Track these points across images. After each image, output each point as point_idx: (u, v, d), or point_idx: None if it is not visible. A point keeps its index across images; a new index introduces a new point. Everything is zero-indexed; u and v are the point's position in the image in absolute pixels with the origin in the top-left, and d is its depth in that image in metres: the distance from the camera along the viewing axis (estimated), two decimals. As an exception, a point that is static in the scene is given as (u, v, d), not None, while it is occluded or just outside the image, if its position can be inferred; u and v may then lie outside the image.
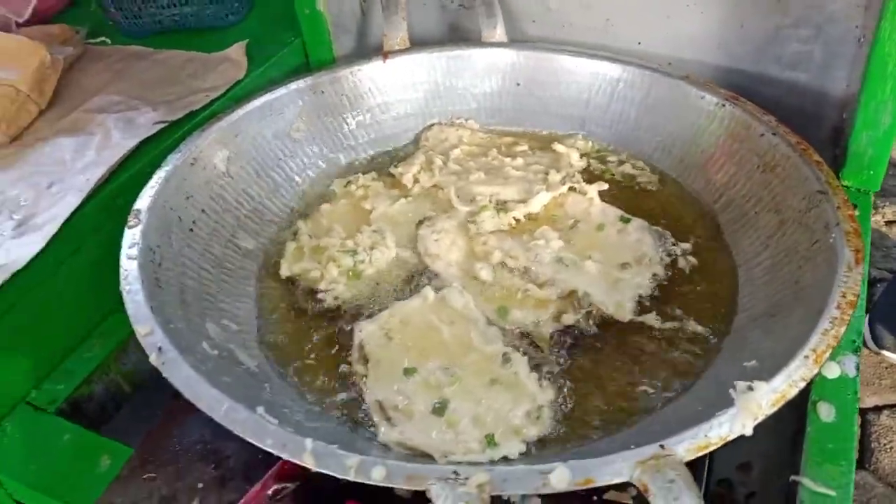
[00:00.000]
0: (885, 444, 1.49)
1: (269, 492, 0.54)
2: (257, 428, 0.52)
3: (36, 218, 0.75)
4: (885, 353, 1.58)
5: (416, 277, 0.79)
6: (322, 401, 0.66)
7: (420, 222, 0.85)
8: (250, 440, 0.52)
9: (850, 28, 0.82)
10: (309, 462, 0.50)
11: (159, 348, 0.58)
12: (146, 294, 0.64)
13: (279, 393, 0.65)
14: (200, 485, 0.62)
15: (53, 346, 0.75)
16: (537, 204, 0.85)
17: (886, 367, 1.61)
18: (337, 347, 0.72)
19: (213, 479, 0.62)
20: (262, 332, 0.74)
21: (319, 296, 0.78)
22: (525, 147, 0.96)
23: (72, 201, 0.74)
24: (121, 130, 0.85)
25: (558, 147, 0.93)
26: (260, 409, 0.54)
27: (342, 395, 0.67)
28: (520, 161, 0.92)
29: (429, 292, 0.75)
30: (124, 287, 0.65)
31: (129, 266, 0.67)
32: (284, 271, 0.81)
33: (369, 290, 0.79)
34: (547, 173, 0.89)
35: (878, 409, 1.56)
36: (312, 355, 0.72)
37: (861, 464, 1.47)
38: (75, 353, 0.76)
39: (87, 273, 0.77)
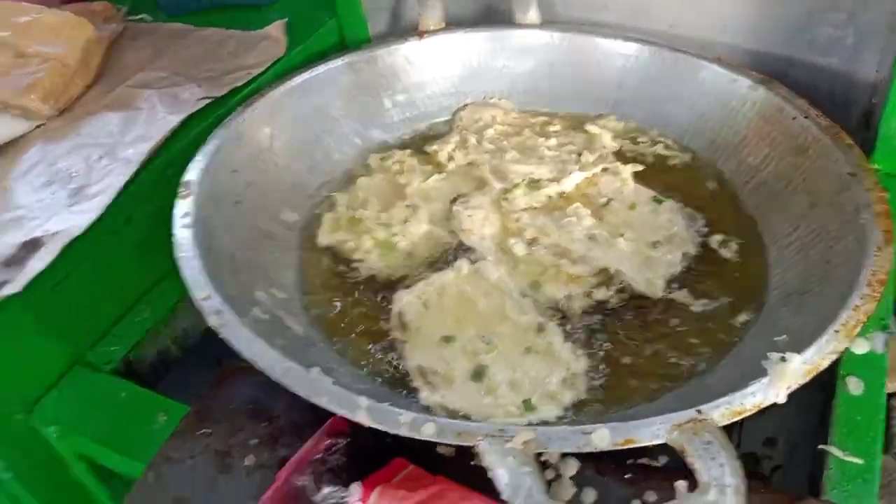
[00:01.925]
0: (903, 429, 1.50)
1: (322, 447, 0.57)
2: (314, 386, 0.55)
3: (89, 189, 0.78)
4: None
5: (448, 252, 0.82)
6: (364, 365, 0.69)
7: (454, 199, 0.87)
8: (307, 398, 0.55)
9: (881, 14, 0.83)
10: (363, 419, 0.53)
11: (217, 311, 0.61)
12: (201, 261, 0.67)
13: (325, 356, 0.69)
14: (254, 441, 0.65)
15: (106, 310, 0.78)
16: (570, 183, 0.87)
17: (905, 353, 1.62)
18: (375, 315, 0.75)
19: (265, 435, 0.65)
20: (305, 299, 0.77)
21: (354, 265, 0.81)
22: (558, 127, 0.98)
23: (123, 173, 0.77)
24: (166, 105, 0.87)
25: (591, 128, 0.95)
26: (315, 370, 0.57)
27: (383, 360, 0.70)
28: (553, 141, 0.94)
29: (463, 264, 0.78)
30: (179, 254, 0.68)
31: (182, 234, 0.70)
32: (322, 240, 0.84)
33: (402, 261, 0.81)
34: (580, 154, 0.91)
35: (896, 395, 1.57)
36: (353, 322, 0.74)
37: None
38: (126, 318, 0.79)
39: (137, 242, 0.80)
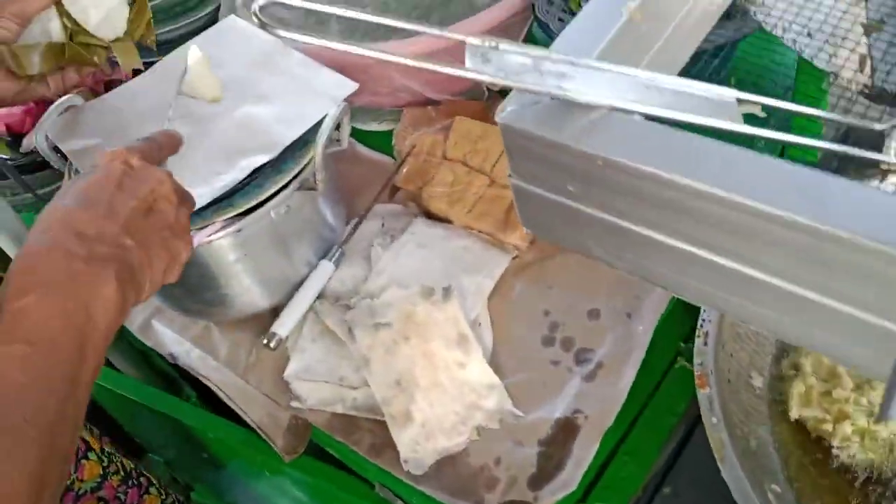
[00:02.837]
0: None
1: None
2: None
3: (593, 354, 0.83)
4: None
5: (935, 448, 0.81)
6: None
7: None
8: None
9: None
10: None
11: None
12: (743, 474, 0.70)
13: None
14: None
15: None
16: None
17: None
18: (873, 521, 0.77)
19: None
20: (796, 491, 0.80)
21: (834, 451, 0.82)
22: None
23: (632, 359, 0.81)
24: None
25: None
26: None
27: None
28: None
29: (957, 476, 0.77)
30: (725, 467, 0.72)
31: (719, 436, 0.73)
32: (794, 414, 0.85)
33: (884, 453, 0.82)
34: None
35: None
36: (851, 528, 0.77)
37: None
38: (611, 468, 0.85)
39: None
